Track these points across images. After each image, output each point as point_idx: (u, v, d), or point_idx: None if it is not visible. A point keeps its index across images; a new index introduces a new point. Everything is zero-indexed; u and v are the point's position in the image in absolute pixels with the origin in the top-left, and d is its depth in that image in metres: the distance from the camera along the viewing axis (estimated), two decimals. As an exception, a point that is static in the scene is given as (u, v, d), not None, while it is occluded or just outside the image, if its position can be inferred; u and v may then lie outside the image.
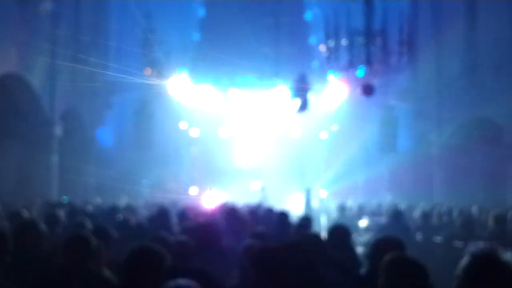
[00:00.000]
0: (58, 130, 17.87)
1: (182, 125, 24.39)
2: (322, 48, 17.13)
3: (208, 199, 19.70)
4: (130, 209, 11.41)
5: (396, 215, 9.75)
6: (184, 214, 9.02)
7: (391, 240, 4.90)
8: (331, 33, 13.79)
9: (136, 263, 3.78)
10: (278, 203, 15.68)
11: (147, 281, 3.68)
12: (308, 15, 26.03)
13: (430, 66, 21.03)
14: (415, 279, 3.49)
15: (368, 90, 14.59)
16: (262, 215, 10.53)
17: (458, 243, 7.99)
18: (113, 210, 9.84)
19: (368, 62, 13.66)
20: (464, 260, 2.48)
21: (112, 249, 5.41)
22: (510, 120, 17.33)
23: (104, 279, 4.45)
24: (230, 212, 8.16)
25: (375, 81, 15.15)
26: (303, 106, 17.44)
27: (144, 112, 21.19)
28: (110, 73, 19.97)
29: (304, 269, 4.41)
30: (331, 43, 14.08)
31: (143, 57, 21.09)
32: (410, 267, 3.55)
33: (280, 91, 22.56)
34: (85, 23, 19.43)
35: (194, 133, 25.04)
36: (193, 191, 23.16)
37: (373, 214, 13.72)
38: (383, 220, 11.64)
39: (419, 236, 9.65)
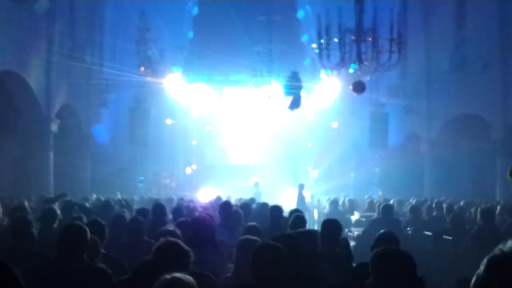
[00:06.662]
0: (54, 127, 17.88)
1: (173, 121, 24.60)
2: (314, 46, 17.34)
3: (203, 195, 19.90)
4: (125, 204, 11.54)
5: (387, 210, 9.82)
6: (179, 210, 9.03)
7: (387, 236, 5.06)
8: (323, 31, 13.92)
9: (163, 258, 3.86)
10: (271, 199, 15.92)
11: None
12: (300, 13, 26.23)
13: (419, 63, 21.26)
14: (403, 271, 3.48)
15: (359, 87, 14.73)
16: (256, 210, 10.76)
17: (447, 237, 8.23)
18: (107, 205, 9.87)
19: (359, 60, 13.82)
20: (490, 257, 2.34)
21: (107, 244, 5.48)
22: (497, 117, 17.59)
23: (99, 269, 4.47)
24: (224, 207, 8.36)
25: (366, 79, 15.34)
26: (296, 103, 17.61)
27: (139, 109, 21.28)
28: (105, 70, 20.12)
29: (294, 264, 4.55)
30: (323, 41, 14.24)
31: (137, 55, 21.18)
32: (397, 259, 3.53)
33: (273, 89, 22.72)
34: (80, 21, 19.55)
35: (188, 129, 25.28)
36: (187, 187, 23.38)
37: (364, 209, 13.92)
38: (374, 215, 11.85)
39: (409, 231, 9.88)
